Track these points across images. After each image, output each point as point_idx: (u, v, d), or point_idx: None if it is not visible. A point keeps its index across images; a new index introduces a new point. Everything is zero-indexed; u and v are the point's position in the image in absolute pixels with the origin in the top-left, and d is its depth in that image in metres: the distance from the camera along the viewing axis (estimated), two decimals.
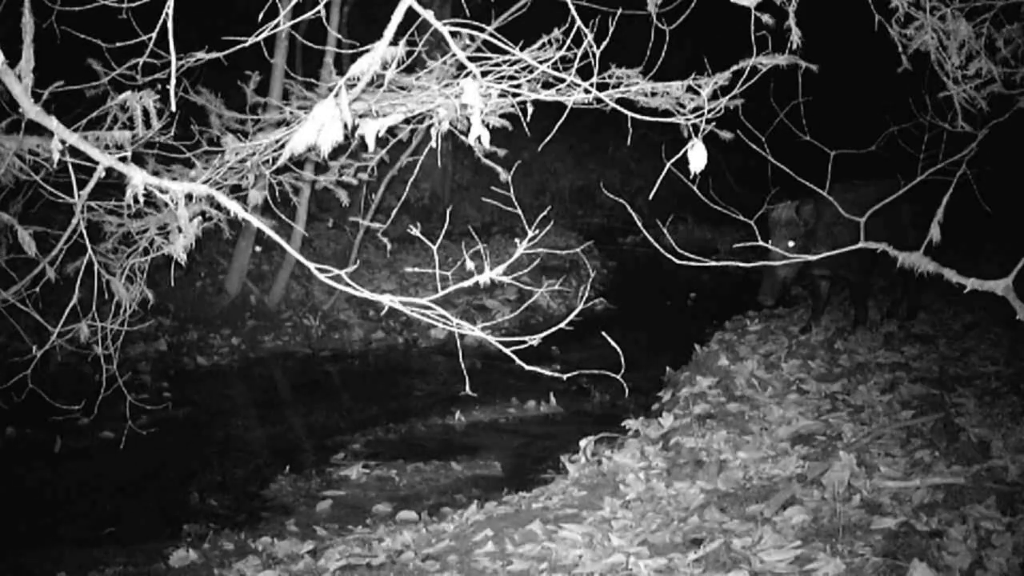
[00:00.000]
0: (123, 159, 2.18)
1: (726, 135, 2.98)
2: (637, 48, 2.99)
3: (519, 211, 2.86)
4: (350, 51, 3.23)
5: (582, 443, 4.52)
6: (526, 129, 3.16)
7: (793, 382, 5.02)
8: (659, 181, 2.72)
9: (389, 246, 5.26)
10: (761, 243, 2.84)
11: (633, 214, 2.99)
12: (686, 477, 3.84)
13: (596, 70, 2.66)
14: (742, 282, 9.28)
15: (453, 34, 2.13)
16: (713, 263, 2.69)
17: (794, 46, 2.59)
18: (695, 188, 2.68)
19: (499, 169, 3.92)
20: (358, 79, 1.83)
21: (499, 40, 2.75)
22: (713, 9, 2.91)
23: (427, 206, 10.40)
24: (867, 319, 6.08)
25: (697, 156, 2.31)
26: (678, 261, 2.71)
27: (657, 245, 2.88)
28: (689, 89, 2.95)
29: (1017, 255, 2.26)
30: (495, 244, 9.84)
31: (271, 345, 7.04)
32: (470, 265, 2.37)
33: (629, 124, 2.76)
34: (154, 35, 2.38)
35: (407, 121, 3.39)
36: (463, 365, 2.91)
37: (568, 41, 2.78)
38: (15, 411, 4.12)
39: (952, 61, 2.79)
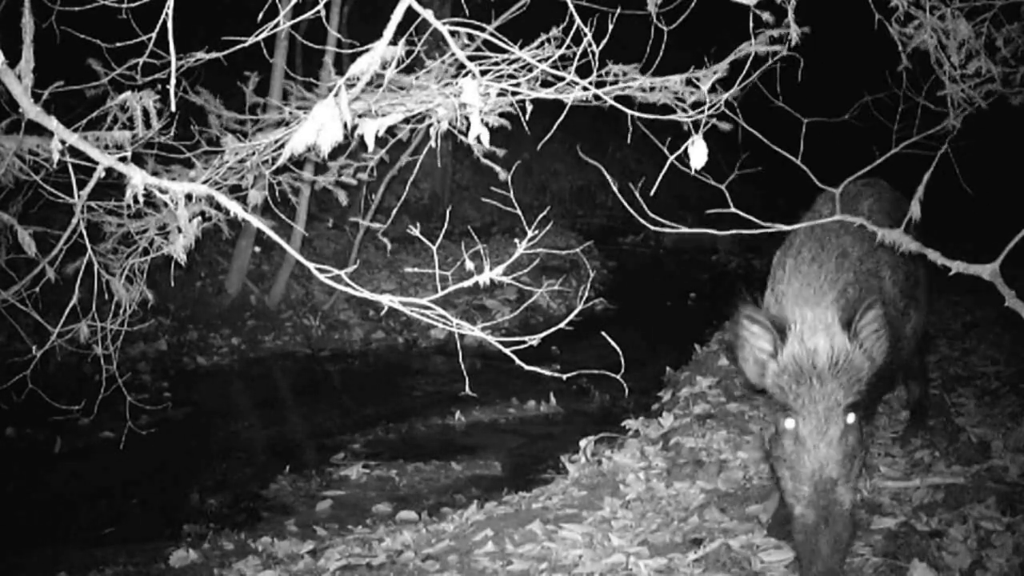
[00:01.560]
0: (123, 159, 2.18)
1: (725, 127, 2.98)
2: (636, 47, 3.00)
3: (519, 211, 2.86)
4: (350, 51, 3.24)
5: (582, 443, 4.52)
6: (526, 128, 3.16)
7: None
8: (659, 179, 2.72)
9: (389, 246, 5.27)
10: (734, 210, 2.66)
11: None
12: (686, 477, 3.84)
13: (595, 68, 2.66)
14: (742, 282, 9.28)
15: (452, 33, 2.13)
16: (685, 229, 2.57)
17: (793, 44, 2.60)
18: (697, 174, 2.62)
19: (499, 169, 3.92)
20: (358, 79, 1.83)
21: (498, 39, 2.76)
22: (713, 9, 2.91)
23: (427, 206, 10.40)
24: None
25: (697, 152, 2.31)
26: (653, 227, 2.57)
27: (631, 210, 2.71)
28: (688, 83, 2.95)
29: (1004, 240, 2.20)
30: (495, 244, 9.83)
31: (271, 345, 7.04)
32: (470, 265, 2.37)
33: (629, 122, 2.76)
34: (154, 35, 2.38)
35: (407, 121, 3.39)
36: (463, 365, 2.91)
37: (567, 40, 2.78)
38: (15, 411, 4.12)
39: (951, 60, 2.80)
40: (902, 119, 3.13)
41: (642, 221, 2.56)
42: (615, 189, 2.68)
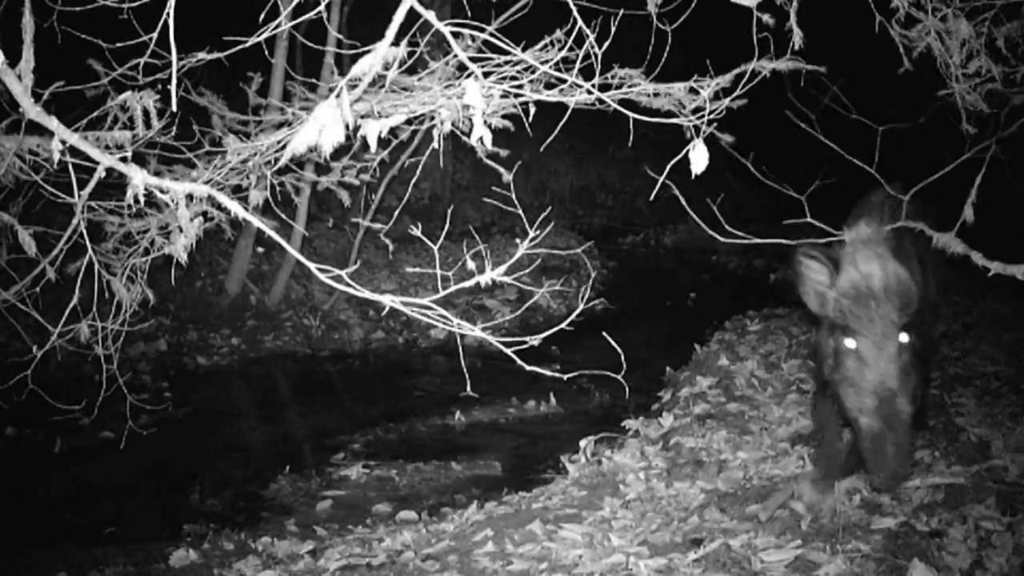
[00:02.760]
0: (123, 159, 2.18)
1: (727, 138, 2.98)
2: (639, 49, 2.99)
3: (519, 211, 2.86)
4: (351, 51, 3.24)
5: (582, 443, 4.52)
6: (528, 129, 3.16)
7: (793, 382, 5.02)
8: (659, 182, 2.73)
9: (389, 246, 5.26)
10: (754, 240, 2.83)
11: (680, 198, 2.94)
12: (686, 477, 3.84)
13: (598, 71, 2.66)
14: (742, 282, 9.29)
15: (455, 34, 2.13)
16: (757, 240, 2.75)
17: (795, 46, 2.59)
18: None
19: (500, 169, 3.92)
20: (360, 80, 1.83)
21: (501, 41, 2.75)
22: (714, 9, 2.91)
23: (427, 206, 10.40)
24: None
25: (698, 157, 2.31)
26: (724, 239, 2.78)
27: (702, 224, 2.89)
28: (691, 90, 2.95)
29: None
30: (495, 244, 9.84)
31: (271, 345, 7.04)
32: (470, 265, 2.37)
33: (631, 125, 2.76)
34: (155, 35, 2.38)
35: (409, 122, 3.40)
36: (463, 365, 2.91)
37: (570, 42, 2.78)
38: (15, 411, 4.12)
39: (953, 61, 2.80)
40: (915, 119, 3.14)
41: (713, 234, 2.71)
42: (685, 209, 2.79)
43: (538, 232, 2.48)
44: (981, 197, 2.49)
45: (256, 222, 2.26)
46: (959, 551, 2.78)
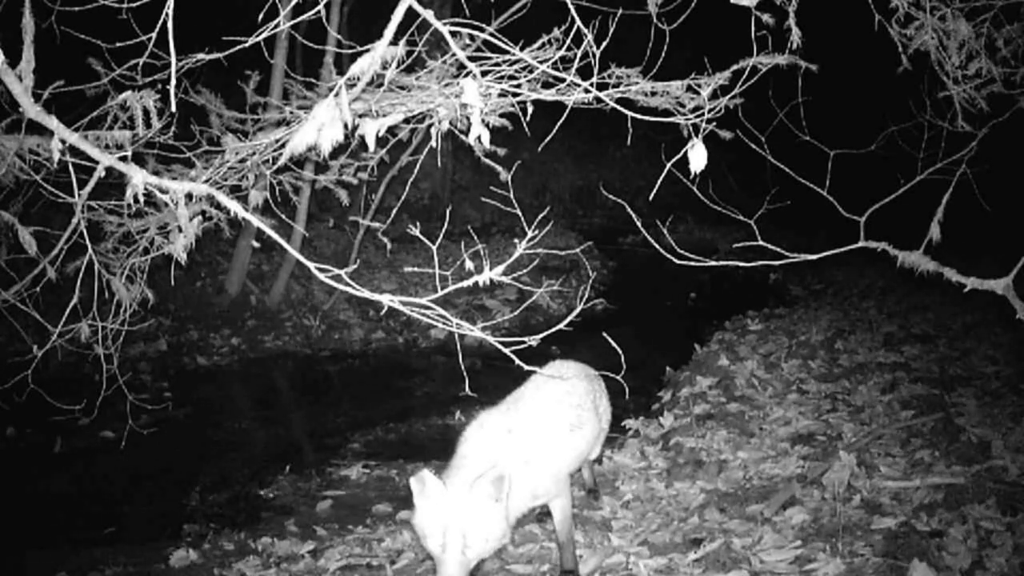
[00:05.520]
0: (123, 159, 2.18)
1: (725, 135, 2.98)
2: (637, 48, 2.99)
3: (519, 211, 2.86)
4: (350, 51, 3.23)
5: None
6: (526, 129, 3.16)
7: (793, 382, 5.02)
8: (659, 181, 2.72)
9: (389, 246, 5.26)
10: (760, 243, 2.83)
11: (632, 214, 2.98)
12: (686, 477, 3.84)
13: (596, 70, 2.66)
14: (742, 282, 9.29)
15: (453, 34, 2.13)
16: (713, 263, 2.70)
17: (794, 46, 2.59)
18: (695, 188, 2.68)
19: (499, 169, 3.92)
20: (358, 79, 1.83)
21: (499, 40, 2.75)
22: (713, 9, 2.90)
23: (427, 206, 10.41)
24: None
25: (697, 156, 2.31)
26: (678, 261, 2.72)
27: (657, 245, 2.89)
28: (689, 89, 2.95)
29: (1017, 255, 2.27)
30: (495, 244, 9.84)
31: (271, 345, 7.03)
32: (470, 265, 2.37)
33: (629, 124, 2.75)
34: (154, 35, 2.38)
35: (407, 121, 3.39)
36: (463, 365, 2.91)
37: (568, 41, 2.77)
38: (15, 411, 4.12)
39: (952, 61, 2.79)
40: (910, 119, 3.13)
41: (668, 256, 2.70)
42: (639, 224, 2.77)
43: (537, 232, 2.48)
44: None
45: (256, 222, 2.26)
46: (959, 551, 2.78)
